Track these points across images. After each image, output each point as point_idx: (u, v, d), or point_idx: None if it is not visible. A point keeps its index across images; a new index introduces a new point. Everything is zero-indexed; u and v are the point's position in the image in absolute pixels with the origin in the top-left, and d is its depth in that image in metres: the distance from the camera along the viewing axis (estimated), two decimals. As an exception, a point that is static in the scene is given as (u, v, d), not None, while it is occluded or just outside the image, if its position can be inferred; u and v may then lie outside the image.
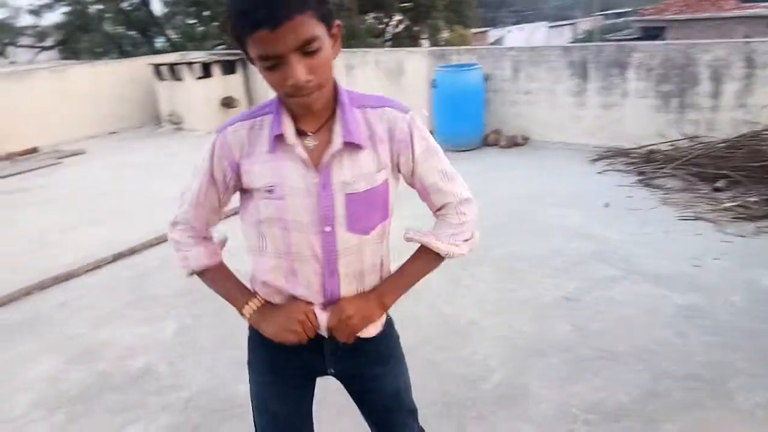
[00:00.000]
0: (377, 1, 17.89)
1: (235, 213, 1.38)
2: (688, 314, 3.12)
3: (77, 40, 17.69)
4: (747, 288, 3.35)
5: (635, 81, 6.19)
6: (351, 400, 1.56)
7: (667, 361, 2.75)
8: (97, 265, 4.27)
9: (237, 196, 1.39)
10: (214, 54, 10.85)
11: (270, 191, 1.26)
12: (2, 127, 8.18)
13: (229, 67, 9.25)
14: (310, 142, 1.25)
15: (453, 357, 2.93)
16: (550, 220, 4.57)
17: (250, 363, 1.50)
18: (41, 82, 8.85)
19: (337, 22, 1.19)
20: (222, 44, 16.80)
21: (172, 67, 9.30)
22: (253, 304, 1.37)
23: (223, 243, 1.48)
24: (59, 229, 5.12)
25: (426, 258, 1.42)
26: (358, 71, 8.34)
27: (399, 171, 1.34)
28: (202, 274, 1.42)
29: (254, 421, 1.53)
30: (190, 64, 9.11)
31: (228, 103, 9.10)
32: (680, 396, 2.52)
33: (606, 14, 45.61)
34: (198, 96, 9.08)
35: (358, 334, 1.37)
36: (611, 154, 6.09)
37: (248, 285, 1.43)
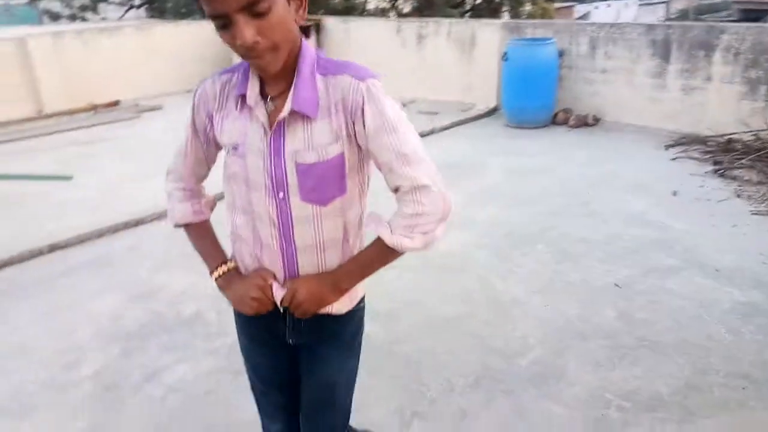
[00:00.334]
0: (459, -29, 17.48)
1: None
2: (746, 312, 2.98)
3: (164, 0, 18.29)
4: (816, 290, 3.15)
5: (721, 65, 5.82)
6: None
7: (715, 357, 2.64)
8: (163, 215, 4.51)
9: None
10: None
11: (235, 148, 1.29)
12: (90, 80, 8.63)
13: (302, 32, 9.32)
14: (269, 105, 1.24)
15: (493, 332, 2.93)
16: (612, 205, 4.42)
17: (234, 318, 1.55)
18: (128, 39, 9.26)
19: None
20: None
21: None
22: (221, 270, 1.40)
23: (211, 203, 1.52)
24: (133, 179, 5.41)
25: (382, 248, 1.27)
26: (428, 42, 8.25)
27: (358, 145, 1.25)
28: (186, 228, 1.49)
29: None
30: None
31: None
32: (723, 393, 2.42)
33: (704, -7, 42.68)
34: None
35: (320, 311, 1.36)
36: (687, 141, 5.78)
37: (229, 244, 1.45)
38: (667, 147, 5.74)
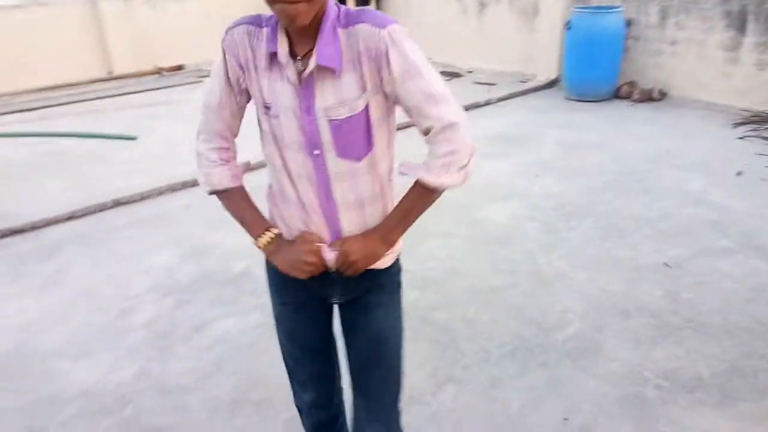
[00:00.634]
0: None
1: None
2: (803, 298, 2.86)
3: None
4: None
5: (802, 38, 5.45)
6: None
7: (763, 341, 2.56)
8: (219, 176, 4.66)
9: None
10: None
11: (267, 107, 1.28)
12: (156, 44, 8.90)
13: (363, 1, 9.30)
14: (299, 65, 1.23)
15: (534, 304, 2.93)
16: (669, 182, 4.27)
17: (269, 289, 1.56)
18: (193, 3, 9.44)
19: None
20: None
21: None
22: (267, 236, 1.38)
23: (245, 167, 1.47)
24: (192, 141, 5.58)
25: (422, 191, 1.31)
26: (490, 9, 8.03)
27: (385, 93, 1.26)
28: (221, 194, 1.42)
29: (278, 339, 1.61)
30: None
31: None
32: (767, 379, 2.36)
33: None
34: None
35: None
36: (759, 119, 5.47)
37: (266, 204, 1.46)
38: (736, 125, 5.45)
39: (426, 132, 1.26)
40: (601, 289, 3.01)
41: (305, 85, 1.24)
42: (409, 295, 1.61)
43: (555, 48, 7.19)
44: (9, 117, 6.72)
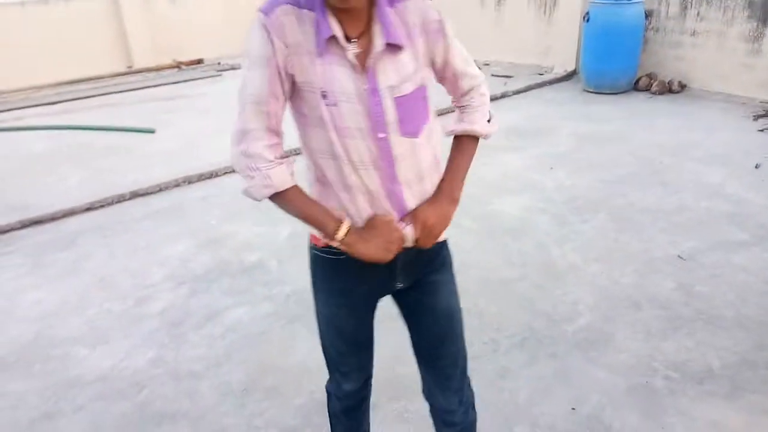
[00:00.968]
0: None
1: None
2: (819, 292, 2.81)
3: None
4: None
5: (827, 28, 5.33)
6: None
7: (776, 334, 2.53)
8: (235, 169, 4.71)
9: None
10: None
11: (324, 96, 1.22)
12: (176, 38, 9.01)
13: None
14: (354, 47, 1.21)
15: (545, 296, 2.92)
16: (686, 175, 4.22)
17: (315, 287, 1.52)
18: (212, -3, 9.53)
19: None
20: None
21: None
22: (344, 228, 1.30)
23: (292, 162, 1.34)
24: (209, 134, 5.66)
25: (469, 145, 1.45)
26: (507, 1, 7.98)
27: (433, 64, 1.34)
28: (280, 195, 1.30)
29: (320, 333, 1.58)
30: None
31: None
32: (780, 372, 2.33)
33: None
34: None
35: None
36: (780, 111, 5.38)
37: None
38: (756, 117, 5.36)
39: (467, 91, 1.42)
40: (614, 282, 3.00)
41: (367, 66, 1.23)
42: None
43: (573, 40, 7.13)
44: (32, 110, 6.86)
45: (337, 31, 1.19)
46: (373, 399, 1.80)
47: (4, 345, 2.77)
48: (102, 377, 2.53)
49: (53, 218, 4.03)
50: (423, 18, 1.27)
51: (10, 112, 6.80)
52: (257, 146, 1.25)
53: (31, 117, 6.58)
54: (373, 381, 1.73)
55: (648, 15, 6.43)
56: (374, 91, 1.23)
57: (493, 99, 6.42)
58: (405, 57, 1.26)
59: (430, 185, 1.40)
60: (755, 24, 5.79)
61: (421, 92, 1.31)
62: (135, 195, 4.37)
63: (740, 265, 3.06)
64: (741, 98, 5.89)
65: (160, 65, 8.72)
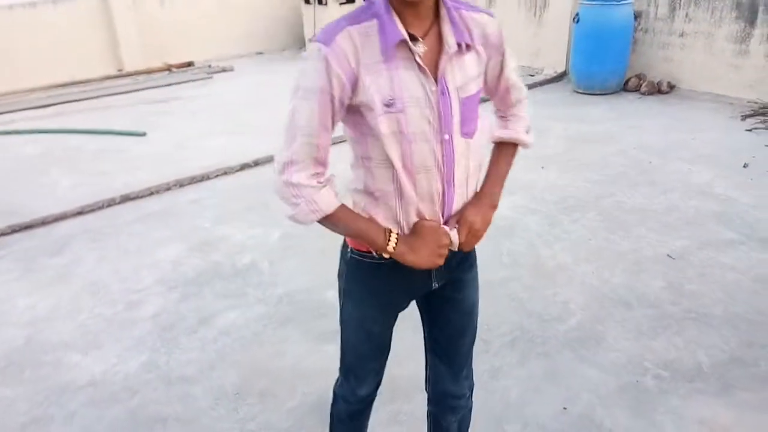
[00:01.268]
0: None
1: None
2: (807, 289, 2.85)
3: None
4: None
5: (813, 28, 5.38)
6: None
7: (764, 332, 2.56)
8: (226, 171, 4.70)
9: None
10: (360, -21, 10.90)
11: (389, 105, 1.19)
12: (166, 41, 8.98)
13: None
14: (420, 47, 1.19)
15: (535, 296, 2.94)
16: (675, 175, 4.26)
17: (347, 291, 1.51)
18: (203, 1, 9.48)
19: None
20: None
21: (317, -10, 9.52)
22: (394, 238, 1.31)
23: (334, 182, 1.33)
24: (200, 136, 5.65)
25: (510, 152, 1.51)
26: (498, 4, 8.01)
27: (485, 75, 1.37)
28: (328, 216, 1.29)
29: (343, 336, 1.58)
30: (334, -12, 9.26)
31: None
32: (768, 369, 2.36)
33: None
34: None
35: None
36: (767, 111, 5.43)
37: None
38: (744, 117, 5.41)
39: (514, 103, 1.48)
40: (604, 281, 3.02)
41: (436, 67, 1.23)
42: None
43: (563, 42, 7.16)
44: (22, 114, 6.82)
45: (405, 33, 1.19)
46: (367, 401, 1.80)
47: (-5, 350, 2.76)
48: (93, 382, 2.52)
49: (44, 223, 4.01)
50: (483, 29, 1.31)
51: (0, 116, 6.76)
52: (301, 176, 1.24)
53: (21, 120, 6.54)
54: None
55: (637, 16, 6.48)
56: (444, 92, 1.24)
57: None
58: (469, 59, 1.28)
59: (472, 187, 1.42)
60: (743, 25, 5.85)
61: (480, 93, 1.35)
62: (126, 198, 4.35)
63: (729, 264, 3.09)
64: (729, 98, 5.94)
65: (151, 68, 8.68)
